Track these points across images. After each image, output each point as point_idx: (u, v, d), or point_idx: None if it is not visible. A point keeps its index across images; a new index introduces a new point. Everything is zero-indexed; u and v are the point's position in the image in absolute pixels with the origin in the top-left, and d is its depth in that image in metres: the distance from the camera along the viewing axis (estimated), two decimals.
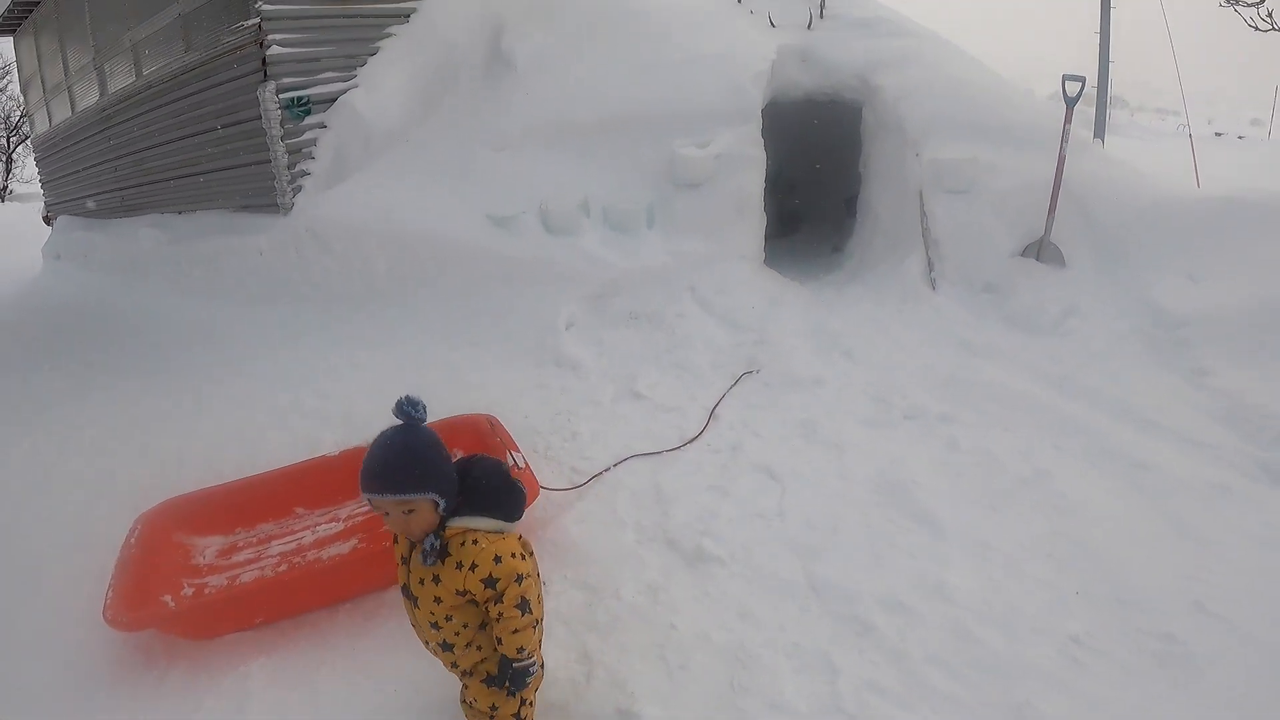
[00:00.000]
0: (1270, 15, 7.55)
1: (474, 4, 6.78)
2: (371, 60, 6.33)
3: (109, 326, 5.75)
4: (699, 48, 6.57)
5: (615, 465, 3.97)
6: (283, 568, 3.35)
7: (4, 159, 29.69)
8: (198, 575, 3.33)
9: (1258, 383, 4.40)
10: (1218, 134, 21.90)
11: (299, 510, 3.71)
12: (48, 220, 10.82)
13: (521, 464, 3.51)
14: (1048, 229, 5.73)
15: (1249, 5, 7.65)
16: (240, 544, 3.54)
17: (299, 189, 5.89)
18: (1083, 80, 5.73)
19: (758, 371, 4.88)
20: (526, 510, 3.32)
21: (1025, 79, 7.61)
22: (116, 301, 5.81)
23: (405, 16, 6.55)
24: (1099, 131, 9.75)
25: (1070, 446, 4.05)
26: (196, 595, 3.19)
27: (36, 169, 11.78)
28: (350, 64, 6.24)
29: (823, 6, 7.23)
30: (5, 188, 29.18)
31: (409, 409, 2.05)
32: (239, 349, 5.19)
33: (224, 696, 2.75)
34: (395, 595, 3.17)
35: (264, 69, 5.76)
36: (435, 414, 3.99)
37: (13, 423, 4.79)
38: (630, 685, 2.67)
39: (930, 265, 5.88)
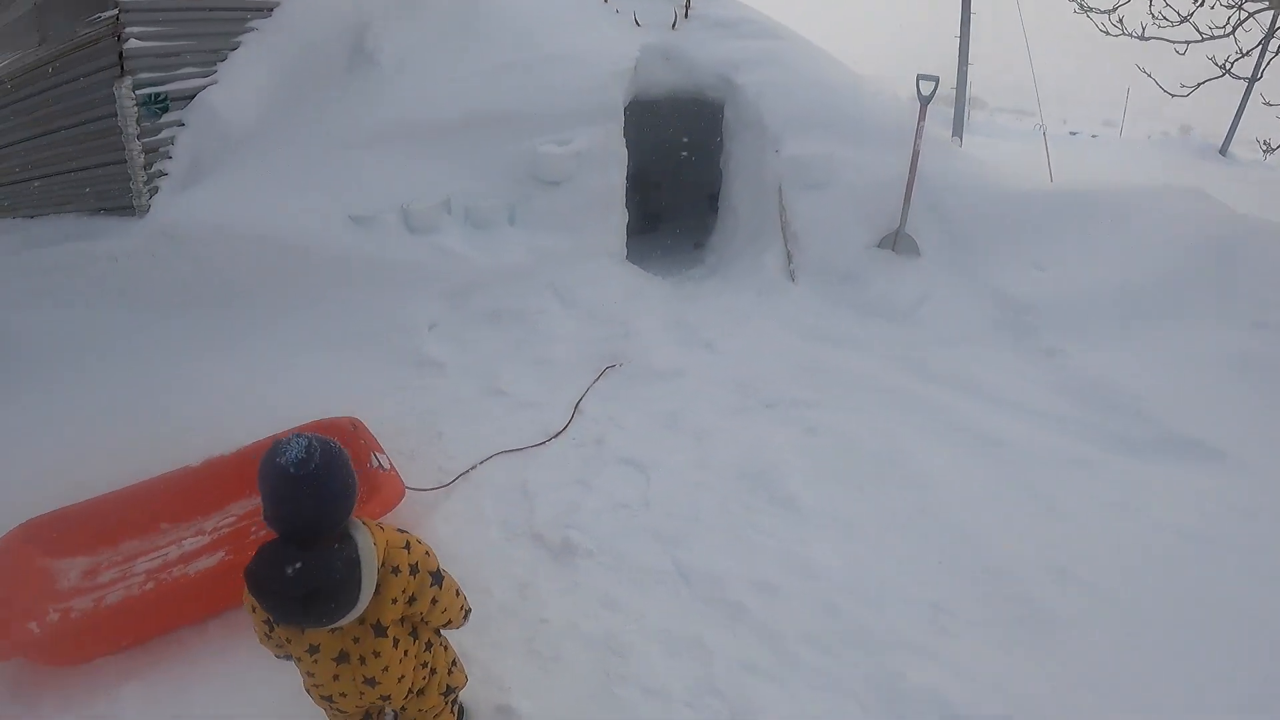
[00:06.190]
0: (1121, 20, 8.09)
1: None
2: (232, 55, 6.14)
3: None
4: (562, 47, 6.66)
5: (481, 463, 4.09)
6: (149, 585, 3.36)
7: None
8: (62, 599, 3.28)
9: (1107, 362, 4.83)
10: (1072, 133, 23.40)
11: (164, 525, 3.68)
12: None
13: (386, 465, 3.62)
14: (903, 221, 6.10)
15: (1101, 12, 8.18)
16: (105, 564, 3.50)
17: (156, 190, 5.69)
18: (936, 79, 6.14)
19: (620, 365, 5.07)
20: (393, 511, 3.49)
21: (894, 82, 7.96)
22: None
23: (268, 10, 6.37)
24: (957, 130, 10.28)
25: (926, 426, 4.36)
26: (63, 620, 3.16)
27: None
28: (210, 59, 6.03)
29: (687, 7, 7.42)
30: None
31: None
32: (96, 358, 5.01)
33: None
34: None
35: (121, 64, 5.52)
36: (299, 418, 4.09)
37: None
38: (505, 681, 2.81)
39: (789, 258, 6.22)
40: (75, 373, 4.91)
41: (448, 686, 2.33)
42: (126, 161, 5.62)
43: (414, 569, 2.02)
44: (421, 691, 2.26)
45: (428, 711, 2.31)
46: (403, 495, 3.48)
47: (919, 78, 6.07)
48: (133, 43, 5.49)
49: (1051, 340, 5.13)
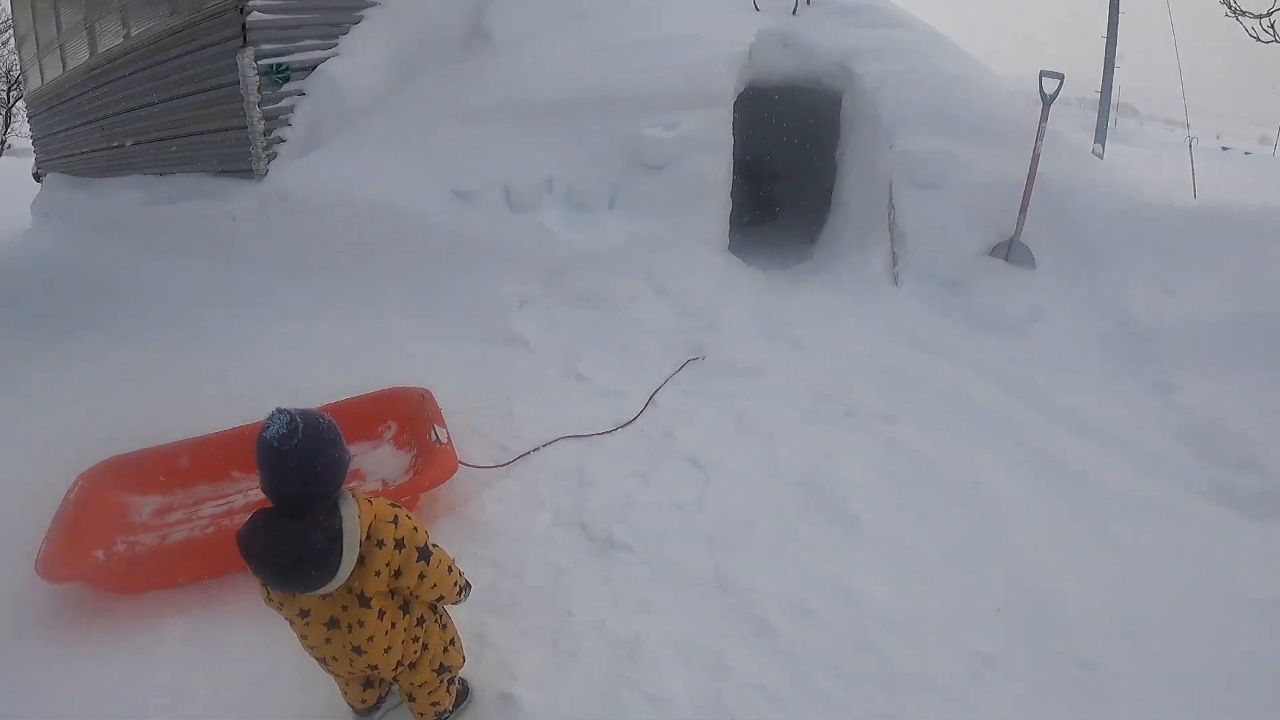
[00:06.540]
0: (1273, 26, 7.37)
1: None
2: (354, 29, 6.36)
3: (81, 286, 5.90)
4: (674, 29, 6.52)
5: (544, 446, 4.04)
6: (210, 529, 3.49)
7: (3, 113, 29.51)
8: (132, 533, 3.47)
9: (1225, 401, 4.24)
10: (1225, 148, 21.53)
11: (235, 474, 3.82)
12: (38, 177, 10.90)
13: (444, 439, 3.62)
14: (1018, 228, 5.64)
15: (1254, 17, 7.45)
16: (175, 504, 3.67)
17: (274, 156, 5.97)
18: (1060, 77, 5.65)
19: (703, 358, 4.92)
20: (445, 486, 3.48)
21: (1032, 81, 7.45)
22: (93, 261, 5.95)
23: None
24: (1100, 137, 9.50)
25: (1012, 454, 3.96)
26: (127, 552, 3.33)
27: (29, 125, 11.86)
28: (332, 32, 6.27)
29: None
30: (4, 142, 29.15)
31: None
32: (204, 313, 5.30)
33: (136, 654, 2.87)
34: None
35: (244, 35, 5.81)
36: (375, 384, 4.16)
37: None
38: (516, 668, 2.73)
39: (894, 259, 5.88)
40: (182, 322, 5.20)
41: (441, 665, 2.31)
42: (247, 127, 5.90)
43: (399, 543, 2.02)
44: (413, 665, 2.24)
45: (422, 687, 2.30)
46: (454, 470, 3.46)
47: (1042, 74, 5.58)
48: (255, 15, 5.75)
49: (1169, 372, 4.57)
